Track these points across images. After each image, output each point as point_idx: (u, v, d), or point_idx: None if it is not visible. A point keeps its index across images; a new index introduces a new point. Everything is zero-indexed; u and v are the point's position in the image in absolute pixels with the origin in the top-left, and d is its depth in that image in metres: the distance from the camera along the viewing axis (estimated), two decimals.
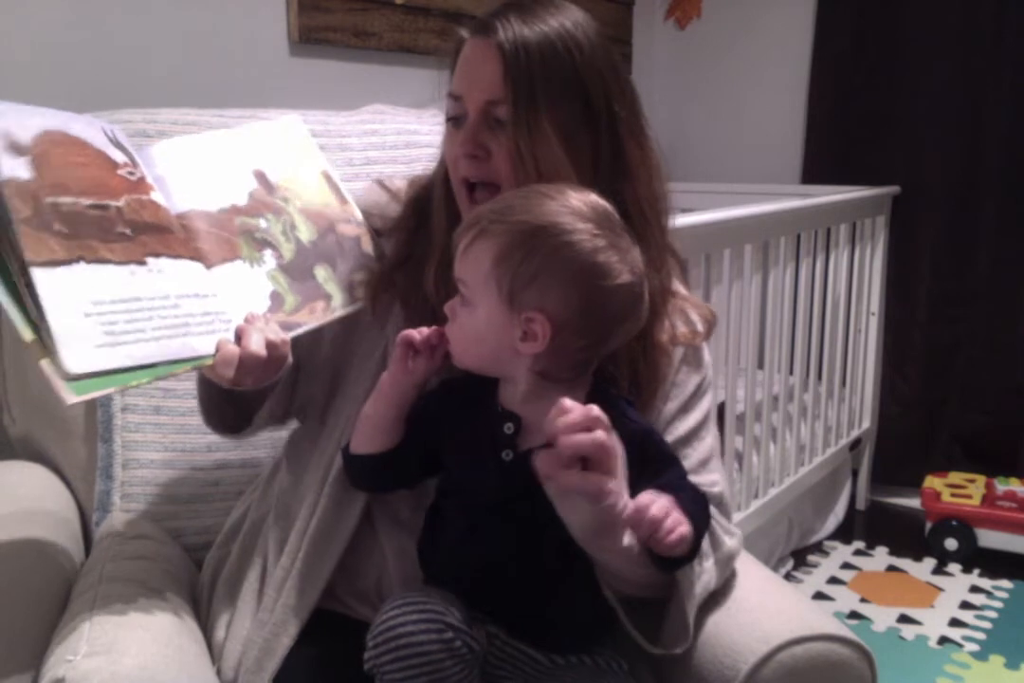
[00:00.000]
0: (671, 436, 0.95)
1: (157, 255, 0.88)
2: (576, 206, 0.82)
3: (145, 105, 1.33)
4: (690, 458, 0.95)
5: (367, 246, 1.03)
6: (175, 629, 0.92)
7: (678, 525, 0.76)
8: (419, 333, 0.89)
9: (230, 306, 0.91)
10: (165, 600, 0.97)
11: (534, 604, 0.87)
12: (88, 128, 0.90)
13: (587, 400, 0.84)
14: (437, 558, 0.90)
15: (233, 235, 0.95)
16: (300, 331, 0.96)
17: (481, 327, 0.83)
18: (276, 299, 0.96)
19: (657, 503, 0.76)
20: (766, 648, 0.89)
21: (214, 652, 0.97)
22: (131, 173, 0.90)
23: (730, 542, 0.97)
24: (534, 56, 0.88)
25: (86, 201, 0.85)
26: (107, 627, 0.87)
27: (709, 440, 1.00)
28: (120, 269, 0.84)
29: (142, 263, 0.86)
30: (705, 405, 1.00)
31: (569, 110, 0.90)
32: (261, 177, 1.00)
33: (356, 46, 2.00)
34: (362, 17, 2.00)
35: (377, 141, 1.43)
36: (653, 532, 0.75)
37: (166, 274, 0.87)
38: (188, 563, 1.15)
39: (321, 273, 0.99)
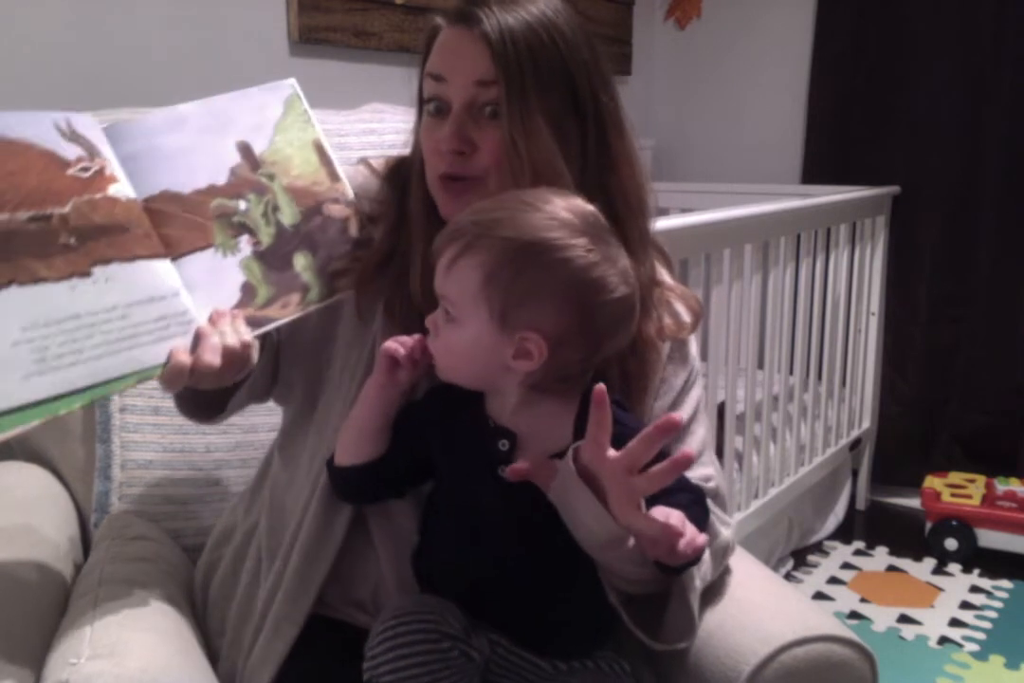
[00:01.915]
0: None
1: (106, 262, 0.82)
2: (565, 218, 0.78)
3: (144, 105, 1.33)
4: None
5: (353, 230, 0.96)
6: (176, 632, 0.91)
7: (695, 538, 0.74)
8: (403, 346, 0.85)
9: (195, 302, 0.86)
10: (165, 603, 0.96)
11: (536, 611, 0.85)
12: (33, 126, 0.82)
13: (580, 405, 0.82)
14: (434, 568, 0.88)
15: (207, 220, 0.89)
16: (269, 327, 0.90)
17: (469, 345, 0.80)
18: (247, 291, 0.89)
19: (673, 518, 0.73)
20: (768, 649, 0.89)
21: (210, 656, 0.96)
22: (85, 168, 0.83)
23: (725, 533, 0.96)
24: (521, 45, 0.85)
25: (24, 214, 0.78)
26: (109, 630, 0.86)
27: (700, 432, 0.98)
28: (57, 287, 0.79)
29: (86, 275, 0.80)
30: (694, 397, 0.99)
31: (559, 101, 0.87)
32: (246, 150, 0.92)
33: (356, 46, 2.00)
34: (362, 17, 2.00)
35: (375, 140, 1.43)
36: (672, 548, 0.73)
37: (115, 282, 0.82)
38: (188, 564, 1.14)
39: (301, 261, 0.93)
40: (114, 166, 0.85)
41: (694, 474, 0.94)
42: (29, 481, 1.24)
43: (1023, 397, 2.56)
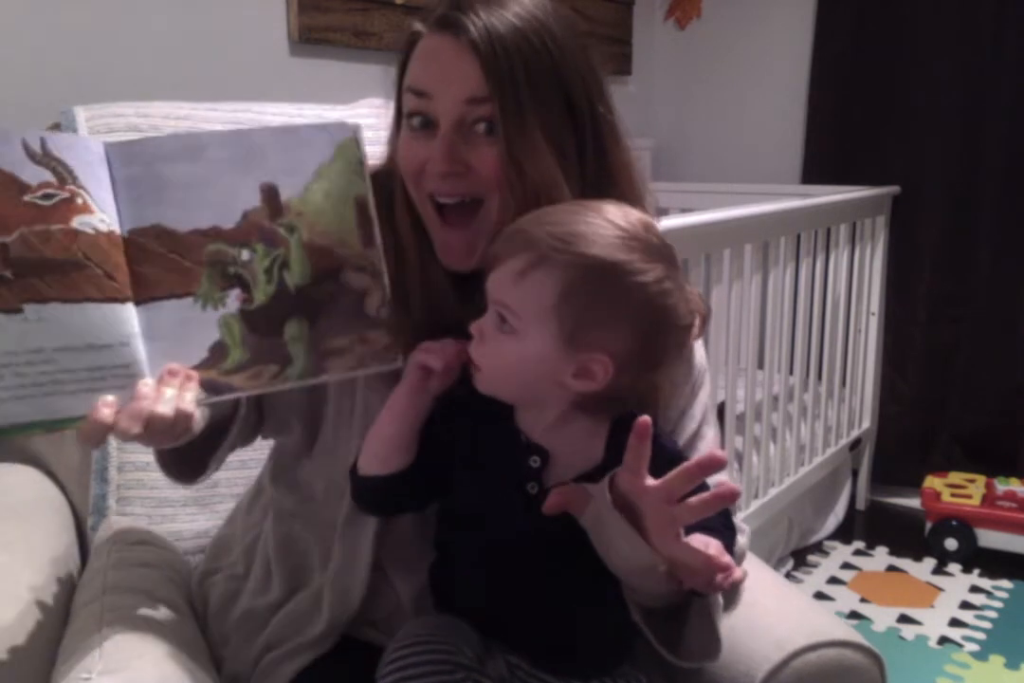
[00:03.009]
0: (677, 442, 0.92)
1: (44, 301, 0.74)
2: (646, 239, 0.75)
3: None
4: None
5: (371, 307, 0.82)
6: (185, 643, 0.90)
7: (733, 572, 0.72)
8: (436, 355, 0.80)
9: (152, 354, 0.77)
10: (172, 611, 0.95)
11: (557, 631, 0.83)
12: None
13: (614, 424, 0.80)
14: (453, 583, 0.86)
15: (197, 265, 0.79)
16: (228, 397, 0.80)
17: (527, 359, 0.76)
18: (217, 352, 0.79)
19: (712, 548, 0.71)
20: (780, 655, 0.89)
21: (214, 665, 0.95)
22: (49, 196, 0.75)
23: (741, 540, 0.94)
24: (513, 55, 0.78)
25: None
26: (119, 643, 0.84)
27: (710, 435, 0.96)
28: None
29: (15, 311, 0.73)
30: (702, 400, 0.97)
31: (555, 112, 0.81)
32: (270, 193, 0.81)
33: (356, 46, 2.00)
34: (362, 17, 2.00)
35: (372, 136, 1.41)
36: (710, 581, 0.71)
37: (48, 323, 0.74)
38: (189, 569, 1.13)
39: (292, 328, 0.81)
40: (92, 195, 0.77)
41: (711, 480, 0.91)
42: (25, 484, 1.23)
43: (1023, 397, 2.56)
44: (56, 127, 1.23)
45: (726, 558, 0.71)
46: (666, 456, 0.73)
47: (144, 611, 0.92)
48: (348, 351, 0.82)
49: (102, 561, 1.06)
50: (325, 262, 0.82)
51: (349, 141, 0.84)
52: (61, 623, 0.94)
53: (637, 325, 0.75)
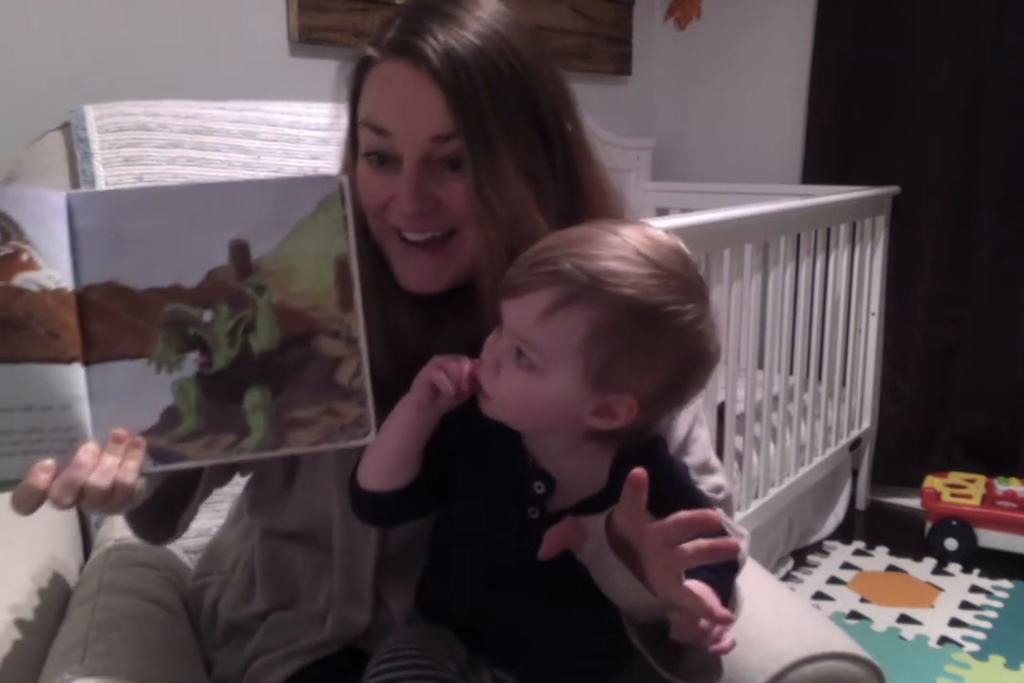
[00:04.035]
0: (669, 447, 0.90)
1: None
2: (683, 276, 0.71)
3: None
4: (688, 465, 0.89)
5: (344, 376, 0.75)
6: (174, 645, 0.90)
7: (722, 641, 0.70)
8: (450, 375, 0.75)
9: (98, 417, 0.72)
10: (165, 613, 0.94)
11: (548, 651, 0.81)
12: None
13: (617, 450, 0.77)
14: (444, 592, 0.85)
15: (153, 325, 0.74)
16: (176, 467, 0.74)
17: (548, 397, 0.72)
18: (169, 417, 0.73)
19: (712, 600, 0.68)
20: (776, 667, 0.87)
21: (206, 666, 0.95)
22: None
23: (743, 546, 0.93)
24: (478, 83, 0.74)
25: None
26: (107, 643, 0.84)
27: (703, 437, 0.95)
28: None
29: None
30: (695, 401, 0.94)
31: (525, 135, 0.77)
32: (239, 251, 0.75)
33: (356, 46, 2.00)
34: (362, 17, 2.00)
35: None
36: (700, 633, 0.69)
37: None
38: (188, 569, 1.13)
39: (254, 397, 0.74)
40: (40, 251, 0.72)
41: (706, 485, 0.91)
42: None
43: (1023, 397, 2.56)
44: (66, 126, 1.23)
45: (724, 611, 0.69)
46: (674, 489, 0.72)
47: (134, 612, 0.91)
48: (314, 423, 0.75)
49: (101, 560, 1.06)
50: (296, 326, 0.75)
51: (333, 196, 0.76)
52: (57, 622, 0.94)
53: (669, 367, 0.72)
